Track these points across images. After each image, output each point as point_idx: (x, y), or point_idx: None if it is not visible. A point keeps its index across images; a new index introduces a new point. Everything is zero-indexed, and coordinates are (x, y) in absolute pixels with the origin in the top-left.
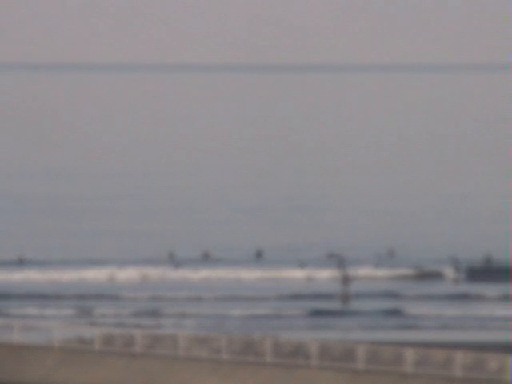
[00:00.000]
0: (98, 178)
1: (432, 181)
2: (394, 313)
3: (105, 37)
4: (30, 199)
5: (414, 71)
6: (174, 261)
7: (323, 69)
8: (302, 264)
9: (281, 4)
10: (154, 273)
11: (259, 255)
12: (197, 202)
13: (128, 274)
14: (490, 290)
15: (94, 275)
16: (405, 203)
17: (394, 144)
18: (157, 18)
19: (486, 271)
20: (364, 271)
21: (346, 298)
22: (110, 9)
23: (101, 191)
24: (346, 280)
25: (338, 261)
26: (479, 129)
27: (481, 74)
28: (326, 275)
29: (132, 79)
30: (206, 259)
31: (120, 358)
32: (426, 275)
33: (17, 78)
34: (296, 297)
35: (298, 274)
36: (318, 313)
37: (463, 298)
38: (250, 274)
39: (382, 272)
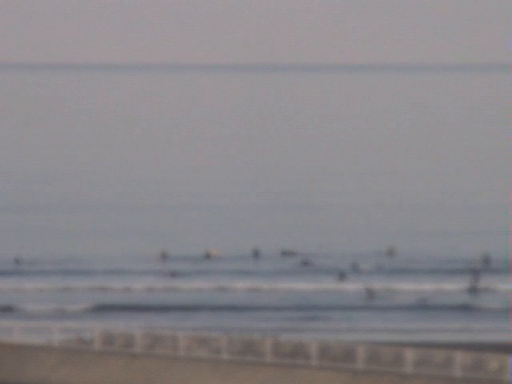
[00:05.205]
0: (97, 178)
1: (431, 180)
2: None
3: (104, 37)
4: (28, 198)
5: (413, 71)
6: (170, 270)
7: (323, 69)
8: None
9: (281, 4)
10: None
11: (256, 255)
12: (196, 202)
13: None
14: None
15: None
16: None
17: (393, 144)
18: (157, 18)
19: None
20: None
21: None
22: (110, 8)
23: (99, 191)
24: (370, 292)
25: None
26: (479, 129)
27: (480, 74)
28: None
29: (132, 79)
30: (208, 258)
31: (120, 357)
32: None
33: (17, 77)
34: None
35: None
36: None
37: None
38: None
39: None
